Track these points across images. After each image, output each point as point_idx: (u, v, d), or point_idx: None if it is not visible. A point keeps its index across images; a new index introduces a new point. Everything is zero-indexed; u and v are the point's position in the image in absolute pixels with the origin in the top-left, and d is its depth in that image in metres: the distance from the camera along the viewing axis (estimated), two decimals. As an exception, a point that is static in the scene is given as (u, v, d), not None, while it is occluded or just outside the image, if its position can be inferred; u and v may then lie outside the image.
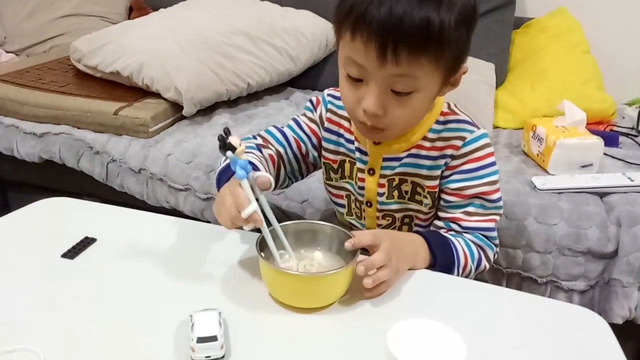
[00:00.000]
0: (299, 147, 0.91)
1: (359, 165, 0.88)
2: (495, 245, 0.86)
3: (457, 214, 0.84)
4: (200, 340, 0.58)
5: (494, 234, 0.85)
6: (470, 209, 0.83)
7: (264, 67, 1.68)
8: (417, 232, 0.82)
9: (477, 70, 1.59)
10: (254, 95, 1.75)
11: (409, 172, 0.85)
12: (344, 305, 0.69)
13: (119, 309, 0.67)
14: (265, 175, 0.68)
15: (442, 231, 0.85)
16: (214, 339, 0.59)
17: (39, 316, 0.65)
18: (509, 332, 0.66)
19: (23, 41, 2.06)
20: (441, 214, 0.86)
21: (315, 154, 0.93)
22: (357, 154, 0.88)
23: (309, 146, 0.92)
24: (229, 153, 0.63)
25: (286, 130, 0.92)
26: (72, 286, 0.71)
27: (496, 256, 0.88)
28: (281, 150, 0.90)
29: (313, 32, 1.81)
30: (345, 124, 0.89)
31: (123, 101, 1.53)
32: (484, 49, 1.71)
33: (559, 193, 1.26)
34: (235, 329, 0.64)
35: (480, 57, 1.68)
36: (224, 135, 0.62)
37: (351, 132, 0.88)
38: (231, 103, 1.69)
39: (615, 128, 1.64)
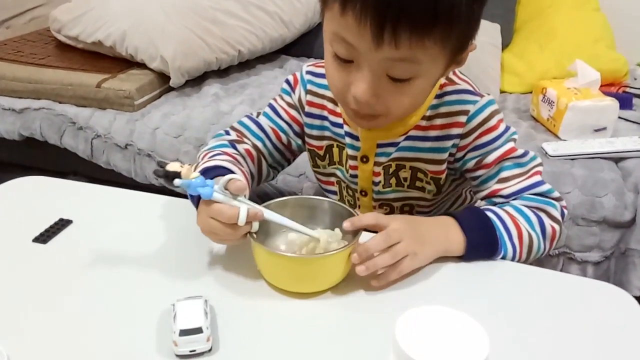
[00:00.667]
0: (279, 138, 0.81)
1: (349, 151, 0.78)
2: (556, 199, 0.72)
3: (493, 185, 0.73)
4: (183, 332, 0.52)
5: (547, 187, 0.72)
6: (504, 174, 0.72)
7: (255, 33, 1.60)
8: (447, 212, 0.71)
9: (481, 32, 1.48)
10: (246, 64, 1.67)
11: (407, 157, 0.75)
12: (346, 290, 0.62)
13: (95, 299, 0.61)
14: (238, 178, 0.60)
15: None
16: (198, 331, 0.52)
17: (3, 309, 0.59)
18: (529, 312, 0.60)
19: (1, 13, 1.96)
20: (479, 194, 0.76)
21: (299, 142, 0.83)
22: (348, 139, 0.77)
23: (291, 134, 0.82)
24: (176, 181, 0.58)
25: (262, 119, 0.81)
26: (44, 274, 0.65)
27: (565, 212, 0.74)
28: (259, 144, 0.80)
29: (307, -6, 1.71)
30: (330, 105, 0.78)
31: (106, 73, 1.46)
32: (489, 9, 1.56)
33: (572, 159, 1.20)
34: (223, 319, 0.57)
35: (484, 17, 1.54)
36: (160, 169, 0.59)
37: (338, 115, 0.78)
38: (222, 72, 1.61)
39: (628, 89, 1.56)
